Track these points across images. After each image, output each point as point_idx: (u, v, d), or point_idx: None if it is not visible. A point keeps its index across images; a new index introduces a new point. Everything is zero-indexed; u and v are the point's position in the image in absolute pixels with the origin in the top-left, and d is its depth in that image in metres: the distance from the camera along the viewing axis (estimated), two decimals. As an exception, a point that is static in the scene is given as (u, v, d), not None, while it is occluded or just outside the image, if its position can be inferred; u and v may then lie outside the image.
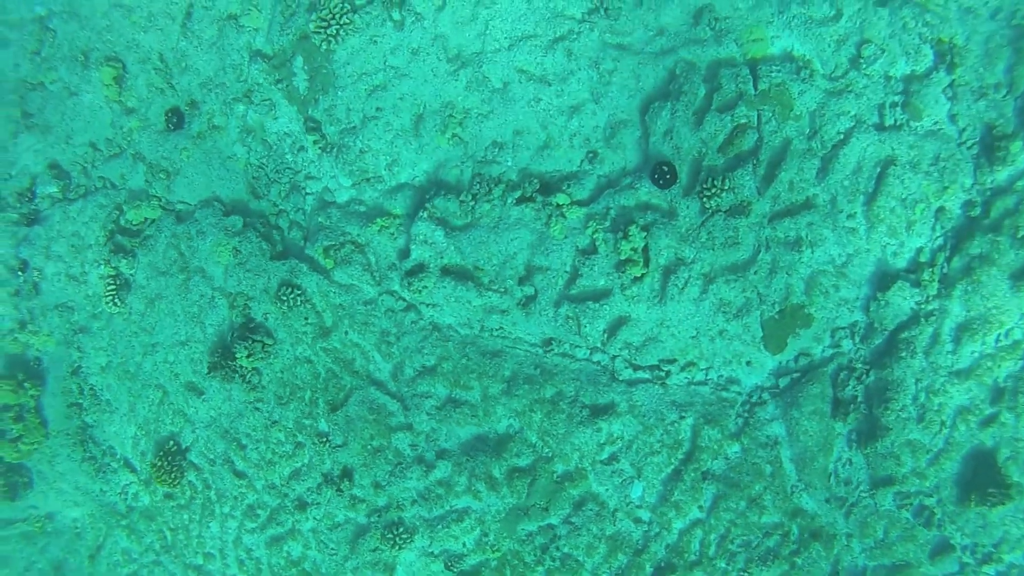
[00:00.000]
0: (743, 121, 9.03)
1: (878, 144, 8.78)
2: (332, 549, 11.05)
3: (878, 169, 8.79)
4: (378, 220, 10.30)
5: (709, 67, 9.25)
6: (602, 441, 9.79)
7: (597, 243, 9.51)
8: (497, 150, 9.91)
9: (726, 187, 9.05)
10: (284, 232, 11.09)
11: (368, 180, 10.49)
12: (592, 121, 9.65)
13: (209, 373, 11.22)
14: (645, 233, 9.33)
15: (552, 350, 9.97)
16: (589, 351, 9.88)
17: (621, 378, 9.75)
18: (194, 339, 11.38)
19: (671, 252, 9.34)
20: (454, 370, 10.22)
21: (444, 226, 10.03)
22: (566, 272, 9.73)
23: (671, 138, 9.31)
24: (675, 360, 9.59)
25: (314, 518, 11.06)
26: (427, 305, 10.30)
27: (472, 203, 9.89)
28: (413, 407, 10.43)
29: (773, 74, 8.98)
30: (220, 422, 11.36)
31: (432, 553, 10.61)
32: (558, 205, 9.60)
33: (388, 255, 10.40)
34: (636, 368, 9.73)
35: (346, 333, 10.62)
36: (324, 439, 10.81)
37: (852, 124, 8.85)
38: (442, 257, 10.07)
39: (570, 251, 9.68)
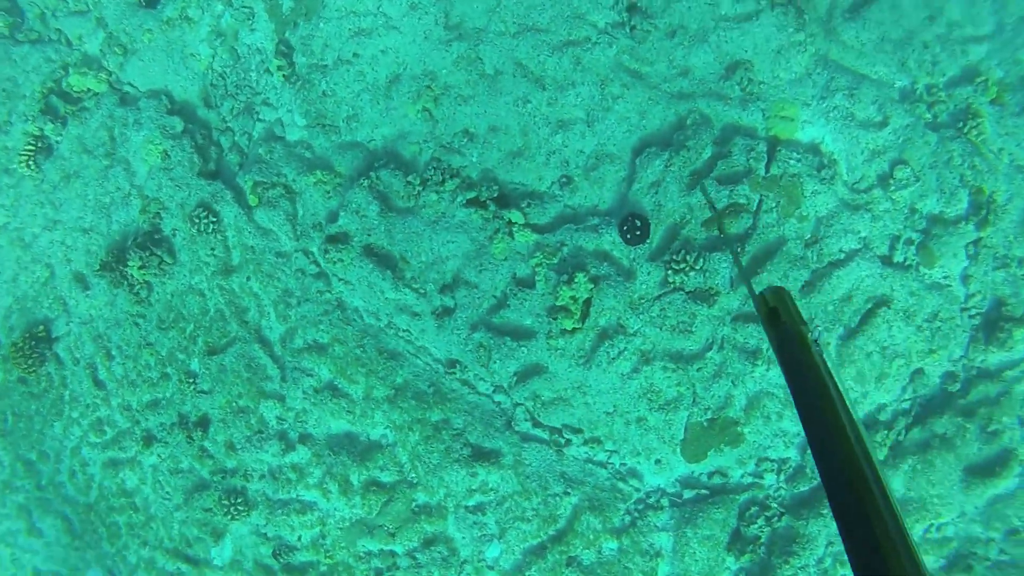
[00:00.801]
0: (741, 202, 5.54)
1: (878, 279, 5.40)
2: (167, 493, 7.29)
3: (869, 305, 5.42)
4: (318, 172, 6.53)
5: (724, 129, 5.72)
6: (474, 487, 6.26)
7: (537, 278, 5.91)
8: (466, 140, 6.21)
9: (698, 267, 5.55)
10: (223, 151, 7.21)
11: (323, 126, 6.69)
12: (578, 144, 6.02)
13: (99, 271, 7.32)
14: (592, 285, 5.77)
15: (454, 373, 6.35)
16: (493, 388, 6.30)
17: (517, 429, 6.21)
18: (97, 230, 7.45)
19: (614, 316, 5.80)
20: (344, 357, 6.55)
21: (382, 202, 6.31)
22: (494, 297, 6.10)
23: (656, 192, 5.76)
24: (581, 431, 6.06)
25: (158, 455, 7.28)
26: (339, 279, 6.58)
27: (420, 188, 6.19)
28: (291, 380, 6.73)
29: (792, 162, 5.50)
30: (96, 324, 7.47)
31: (265, 535, 6.95)
32: (509, 222, 5.97)
33: (317, 212, 6.64)
34: (536, 424, 6.18)
35: (248, 279, 6.84)
36: (192, 380, 7.04)
37: (858, 247, 5.44)
38: (369, 235, 6.36)
39: (506, 276, 6.05)
